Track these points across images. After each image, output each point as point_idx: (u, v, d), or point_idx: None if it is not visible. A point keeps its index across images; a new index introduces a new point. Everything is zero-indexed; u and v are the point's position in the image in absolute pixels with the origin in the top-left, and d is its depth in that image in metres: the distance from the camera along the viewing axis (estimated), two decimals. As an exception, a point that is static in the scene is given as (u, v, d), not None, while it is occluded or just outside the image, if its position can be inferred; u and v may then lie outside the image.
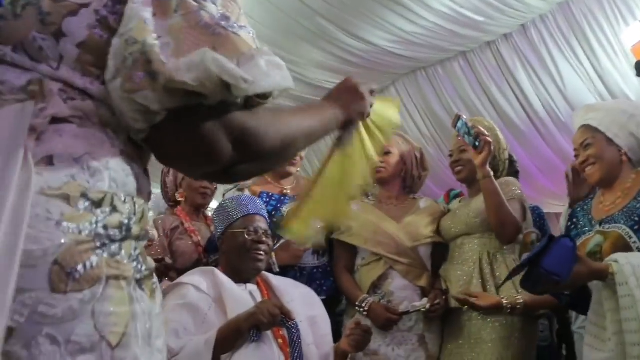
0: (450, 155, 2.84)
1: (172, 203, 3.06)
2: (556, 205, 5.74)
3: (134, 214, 0.84)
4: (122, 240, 0.81)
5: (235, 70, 0.82)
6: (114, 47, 0.83)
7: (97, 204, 0.79)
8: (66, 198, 0.77)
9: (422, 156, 2.93)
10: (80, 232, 0.76)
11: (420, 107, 6.27)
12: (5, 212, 0.70)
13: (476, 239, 2.65)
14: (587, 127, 2.27)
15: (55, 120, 0.80)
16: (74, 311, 0.74)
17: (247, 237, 2.30)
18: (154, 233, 2.83)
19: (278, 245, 2.64)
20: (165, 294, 2.20)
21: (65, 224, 0.75)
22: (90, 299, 0.75)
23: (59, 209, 0.76)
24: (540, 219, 3.05)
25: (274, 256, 2.59)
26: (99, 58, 0.84)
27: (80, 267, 0.75)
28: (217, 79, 0.81)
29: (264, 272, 2.45)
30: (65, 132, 0.80)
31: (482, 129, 2.56)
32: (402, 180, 2.87)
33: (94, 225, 0.78)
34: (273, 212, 2.73)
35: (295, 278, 2.64)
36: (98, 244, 0.78)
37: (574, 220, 2.34)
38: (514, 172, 3.00)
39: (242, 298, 2.17)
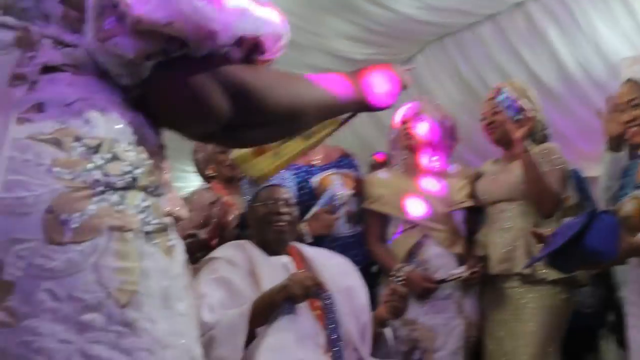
0: (483, 119, 2.75)
1: (207, 180, 3.05)
2: (595, 169, 5.59)
3: (142, 164, 0.79)
4: (125, 189, 0.76)
5: (206, 8, 0.76)
6: None
7: (94, 149, 0.75)
8: (57, 143, 0.73)
9: (453, 126, 2.85)
10: (74, 179, 0.72)
11: (450, 74, 6.12)
12: None
13: (520, 206, 2.58)
14: (636, 84, 2.17)
15: (47, 69, 0.76)
16: (75, 264, 0.70)
17: (265, 209, 2.27)
18: (184, 212, 2.80)
19: (309, 215, 2.61)
20: (198, 269, 2.19)
21: (57, 169, 0.71)
22: (91, 251, 0.71)
23: (50, 155, 0.72)
24: (579, 182, 2.95)
25: (305, 227, 2.54)
26: (84, 13, 0.80)
27: (76, 216, 0.71)
28: (187, 18, 0.75)
29: (297, 243, 2.42)
30: (59, 80, 0.77)
31: (525, 103, 2.47)
32: (431, 149, 2.80)
33: (91, 172, 0.73)
34: (302, 184, 2.69)
35: (329, 248, 2.61)
36: (96, 191, 0.73)
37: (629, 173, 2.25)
38: (545, 135, 2.91)
39: (276, 270, 2.15)
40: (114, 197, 0.74)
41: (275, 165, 1.31)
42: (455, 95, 6.11)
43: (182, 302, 0.79)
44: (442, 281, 2.51)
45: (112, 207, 0.73)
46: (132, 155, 0.78)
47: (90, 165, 0.74)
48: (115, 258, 0.72)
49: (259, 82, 0.86)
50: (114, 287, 0.71)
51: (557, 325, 2.45)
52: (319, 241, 2.60)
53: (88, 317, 0.70)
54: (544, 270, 2.42)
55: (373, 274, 2.78)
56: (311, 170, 2.76)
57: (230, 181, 2.95)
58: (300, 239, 2.53)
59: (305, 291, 1.94)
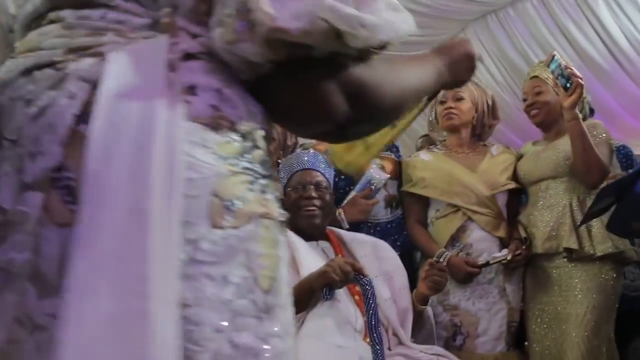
0: (525, 100, 2.69)
1: None
2: (645, 146, 5.43)
3: (268, 154, 0.80)
4: (267, 177, 0.77)
5: (356, 15, 0.73)
6: None
7: (244, 136, 0.75)
8: (216, 128, 0.72)
9: (493, 104, 2.79)
10: (233, 164, 0.72)
11: (493, 52, 6.00)
12: (157, 136, 0.66)
13: (564, 183, 2.52)
14: None
15: (186, 56, 0.75)
16: (232, 249, 0.69)
17: (295, 193, 2.27)
18: None
19: (346, 201, 2.59)
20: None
21: (221, 153, 0.71)
22: (245, 237, 0.71)
23: (213, 138, 0.71)
24: (627, 159, 2.87)
25: (342, 213, 2.53)
26: (212, 7, 0.78)
27: (237, 201, 0.71)
28: (329, 27, 0.72)
29: (335, 229, 2.41)
30: (197, 67, 0.75)
31: (574, 70, 2.40)
32: (472, 128, 2.74)
33: (244, 158, 0.74)
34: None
35: (368, 234, 2.59)
36: (250, 178, 0.73)
37: None
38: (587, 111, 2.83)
39: (314, 256, 2.14)
40: (261, 184, 0.75)
41: (367, 158, 1.34)
42: (498, 74, 6.00)
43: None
44: (485, 265, 2.47)
45: (261, 194, 0.74)
46: (265, 145, 0.79)
47: (243, 152, 0.74)
48: (261, 244, 0.72)
49: (374, 79, 0.84)
50: (260, 273, 0.72)
51: (608, 306, 2.39)
52: (357, 227, 2.59)
53: (240, 302, 0.69)
54: (591, 245, 2.38)
55: (414, 259, 2.76)
56: (349, 155, 2.74)
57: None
58: (338, 225, 2.52)
59: (344, 277, 1.91)
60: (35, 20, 0.82)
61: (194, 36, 0.78)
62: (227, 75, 0.77)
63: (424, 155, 2.78)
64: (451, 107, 2.67)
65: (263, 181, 0.75)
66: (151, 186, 0.64)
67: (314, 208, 2.25)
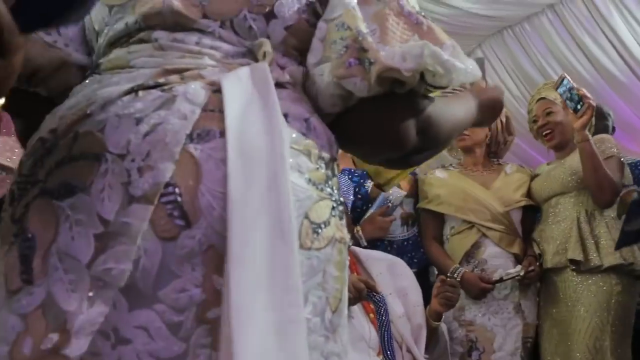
0: (535, 121, 2.73)
1: None
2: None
3: (338, 184, 0.85)
4: (342, 204, 0.82)
5: (450, 62, 0.81)
6: (320, 30, 0.85)
7: (327, 164, 0.81)
8: (308, 154, 0.78)
9: (507, 120, 2.82)
10: (322, 190, 0.77)
11: (510, 67, 6.03)
12: (286, 162, 0.72)
13: (572, 198, 2.55)
14: None
15: (276, 85, 0.80)
16: (314, 270, 0.74)
17: None
18: None
19: (364, 219, 2.64)
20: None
21: (313, 179, 0.76)
22: (325, 258, 0.75)
23: (306, 164, 0.77)
24: (644, 173, 2.87)
25: (359, 230, 2.58)
26: (302, 41, 0.86)
27: (323, 225, 0.75)
28: (426, 69, 0.80)
29: (352, 247, 2.45)
30: (285, 95, 0.81)
31: (585, 92, 2.44)
32: (487, 146, 2.78)
33: (328, 185, 0.79)
34: (357, 188, 2.72)
35: (385, 251, 2.62)
36: (333, 204, 0.78)
37: None
38: (604, 126, 2.85)
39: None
40: (339, 210, 0.80)
41: (405, 175, 1.52)
42: (515, 89, 6.02)
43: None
44: (499, 281, 2.50)
45: (339, 219, 0.79)
46: (336, 174, 0.84)
47: (327, 179, 0.79)
48: (334, 267, 0.77)
49: (438, 114, 0.91)
50: (331, 294, 0.76)
51: (617, 323, 2.37)
52: (374, 245, 2.62)
53: (314, 321, 0.73)
54: (597, 256, 2.39)
55: (430, 276, 2.79)
56: (366, 175, 2.78)
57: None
58: (356, 243, 2.57)
59: (358, 294, 1.94)
60: (123, 38, 0.86)
61: (282, 67, 0.84)
62: (311, 105, 0.84)
63: (440, 173, 2.82)
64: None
65: (340, 207, 0.81)
66: (287, 207, 0.69)
67: None
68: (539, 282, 2.60)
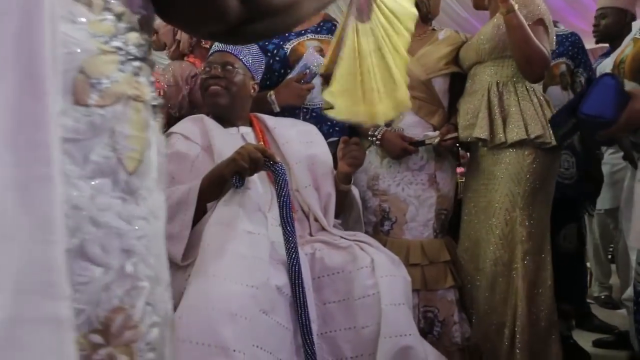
0: None
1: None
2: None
3: (148, 40, 0.81)
4: (142, 60, 0.78)
5: None
6: None
7: (118, 17, 0.76)
8: (88, 4, 0.72)
9: None
10: (105, 42, 0.73)
11: None
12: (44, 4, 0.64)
13: (487, 68, 2.46)
14: None
15: None
16: (95, 128, 0.71)
17: (204, 75, 2.27)
18: (168, 78, 2.77)
19: (281, 85, 2.53)
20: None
21: (91, 30, 0.72)
22: (111, 116, 0.72)
23: (84, 15, 0.72)
24: (574, 46, 2.77)
25: (272, 95, 2.48)
26: None
27: (105, 80, 0.72)
28: None
29: (261, 115, 2.38)
30: None
31: None
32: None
33: (118, 38, 0.75)
34: (274, 50, 2.59)
35: (304, 120, 2.56)
36: (122, 58, 0.75)
37: None
38: None
39: (232, 142, 2.11)
40: (134, 66, 0.76)
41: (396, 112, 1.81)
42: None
43: (163, 181, 0.83)
44: (420, 144, 2.46)
45: (132, 76, 0.75)
46: (144, 30, 0.80)
47: (116, 32, 0.74)
48: (129, 126, 0.74)
49: None
50: (125, 154, 0.73)
51: (529, 193, 2.37)
52: (292, 112, 2.55)
53: (99, 181, 0.71)
54: (502, 134, 2.35)
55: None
56: (286, 36, 2.63)
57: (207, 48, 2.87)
58: (270, 109, 2.48)
59: (254, 164, 1.89)
60: None
61: None
62: None
63: None
64: None
65: (137, 63, 0.76)
66: (41, 60, 0.63)
67: (217, 87, 2.22)
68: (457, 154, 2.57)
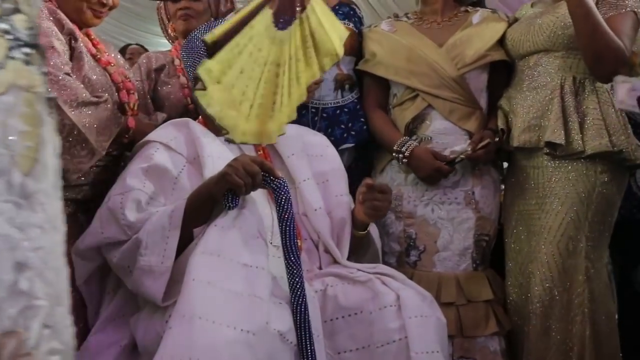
0: None
1: (172, 42, 2.92)
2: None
3: (37, 25, 0.82)
4: (33, 47, 0.80)
5: None
6: None
7: None
8: None
9: None
10: None
11: None
12: None
13: (558, 59, 2.33)
14: None
15: None
16: None
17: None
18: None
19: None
20: (131, 155, 2.09)
21: None
22: (3, 108, 0.74)
23: None
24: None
25: None
26: None
27: None
28: None
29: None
30: None
31: None
32: None
33: (2, 20, 0.77)
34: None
35: (312, 122, 2.50)
36: (11, 43, 0.77)
37: None
38: None
39: (225, 153, 2.02)
40: (24, 53, 0.78)
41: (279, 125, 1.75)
42: None
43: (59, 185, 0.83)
44: (458, 161, 2.33)
45: (24, 64, 0.78)
46: (34, 12, 0.81)
47: (1, 14, 0.76)
48: (21, 120, 0.76)
49: None
50: (18, 151, 0.75)
51: (597, 220, 2.25)
52: (297, 113, 2.44)
53: None
54: (580, 141, 2.22)
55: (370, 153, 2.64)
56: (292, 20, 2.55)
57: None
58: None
59: (252, 180, 1.79)
60: None
61: None
62: None
63: (386, 25, 2.60)
64: None
65: (27, 50, 0.78)
66: None
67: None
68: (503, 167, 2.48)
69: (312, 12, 1.78)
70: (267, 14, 1.71)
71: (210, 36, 1.64)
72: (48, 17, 2.02)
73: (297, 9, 1.77)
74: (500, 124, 2.41)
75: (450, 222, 2.40)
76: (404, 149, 2.38)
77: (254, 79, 1.69)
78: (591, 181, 2.25)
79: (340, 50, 1.85)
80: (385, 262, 2.36)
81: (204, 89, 1.61)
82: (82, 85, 2.00)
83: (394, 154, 2.41)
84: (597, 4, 2.21)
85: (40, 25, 1.98)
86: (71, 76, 1.97)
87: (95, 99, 2.01)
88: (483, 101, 2.49)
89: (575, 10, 2.16)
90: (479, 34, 2.46)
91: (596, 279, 2.26)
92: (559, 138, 2.23)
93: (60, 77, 1.92)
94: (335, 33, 1.85)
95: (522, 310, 2.35)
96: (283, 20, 1.74)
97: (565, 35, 2.29)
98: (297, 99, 1.79)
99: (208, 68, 1.62)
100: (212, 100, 1.62)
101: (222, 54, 1.64)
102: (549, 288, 2.26)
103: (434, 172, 2.34)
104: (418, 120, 2.43)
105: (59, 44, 1.95)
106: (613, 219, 2.33)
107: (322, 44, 1.80)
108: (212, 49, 1.64)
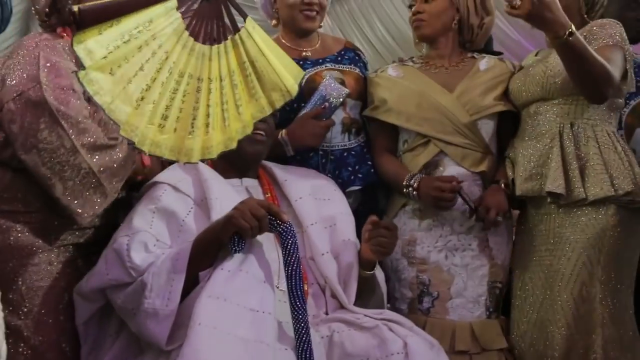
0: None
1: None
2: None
3: None
4: None
5: None
6: None
7: None
8: None
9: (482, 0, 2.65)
10: None
11: None
12: None
13: (556, 106, 2.41)
14: None
15: None
16: None
17: None
18: None
19: (294, 122, 2.54)
20: (139, 196, 2.18)
21: None
22: None
23: None
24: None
25: (284, 135, 2.49)
26: None
27: None
28: None
29: (268, 163, 2.37)
30: None
31: None
32: (456, 33, 2.65)
33: None
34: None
35: (320, 165, 2.57)
36: None
37: None
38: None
39: (233, 197, 2.09)
40: None
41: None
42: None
43: None
44: (462, 195, 2.40)
45: None
46: None
47: None
48: None
49: None
50: None
51: (611, 265, 2.30)
52: (306, 155, 2.57)
53: None
54: (581, 189, 2.29)
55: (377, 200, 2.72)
56: (302, 65, 2.65)
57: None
58: (282, 152, 2.50)
59: (258, 223, 1.87)
60: None
61: None
62: None
63: (393, 70, 2.69)
64: (418, 12, 2.60)
65: None
66: None
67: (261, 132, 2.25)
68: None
69: (249, 38, 1.75)
70: (173, 16, 1.68)
71: (78, 6, 1.59)
72: (70, 56, 2.06)
73: (228, 27, 1.74)
74: (510, 173, 2.49)
75: (464, 269, 2.46)
76: (412, 181, 2.45)
77: (166, 86, 1.66)
78: (601, 225, 2.30)
79: (293, 89, 1.80)
80: (396, 309, 2.42)
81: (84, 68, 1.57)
82: (100, 129, 2.04)
83: (404, 190, 2.47)
84: (585, 38, 2.27)
85: (60, 66, 2.03)
86: (89, 119, 2.01)
87: (112, 142, 2.05)
88: (493, 147, 2.58)
89: (564, 58, 2.24)
90: (487, 83, 2.56)
91: (615, 325, 2.29)
92: (559, 188, 2.29)
93: (79, 120, 1.97)
94: (285, 69, 1.81)
95: (540, 358, 2.36)
96: (205, 34, 1.71)
97: (557, 83, 2.38)
98: (239, 131, 1.74)
99: (88, 49, 1.58)
100: (102, 89, 1.58)
101: (111, 41, 1.59)
102: (564, 337, 2.29)
103: (433, 190, 2.39)
104: (431, 167, 2.51)
105: (78, 85, 1.93)
106: (633, 263, 2.38)
107: (267, 76, 1.76)
108: (81, 21, 1.58)
